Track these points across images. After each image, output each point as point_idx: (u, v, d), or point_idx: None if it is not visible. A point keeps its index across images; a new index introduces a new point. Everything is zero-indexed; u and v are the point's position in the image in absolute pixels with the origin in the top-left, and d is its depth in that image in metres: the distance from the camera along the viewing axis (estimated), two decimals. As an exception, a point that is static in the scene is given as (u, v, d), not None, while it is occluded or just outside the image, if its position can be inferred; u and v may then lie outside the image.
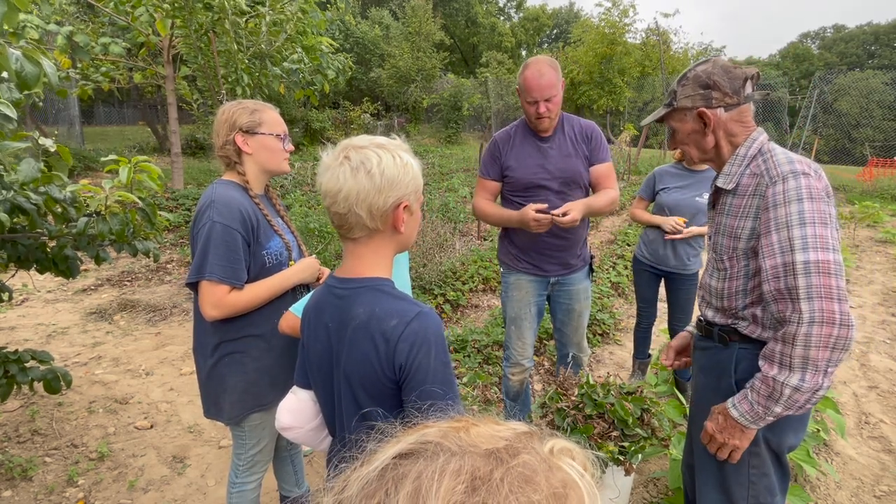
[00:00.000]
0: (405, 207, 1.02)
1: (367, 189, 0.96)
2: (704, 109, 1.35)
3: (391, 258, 1.08)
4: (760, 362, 1.26)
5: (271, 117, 1.59)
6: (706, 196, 2.79)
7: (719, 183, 1.41)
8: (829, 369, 1.16)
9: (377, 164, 0.97)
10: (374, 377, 0.99)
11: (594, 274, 2.54)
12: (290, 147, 1.65)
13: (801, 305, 1.17)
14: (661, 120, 1.50)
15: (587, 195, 2.31)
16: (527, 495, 0.35)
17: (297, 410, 1.19)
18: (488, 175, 2.36)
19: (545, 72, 2.09)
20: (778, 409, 1.21)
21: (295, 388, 1.22)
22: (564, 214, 2.05)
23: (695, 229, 2.78)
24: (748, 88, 1.35)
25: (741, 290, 1.38)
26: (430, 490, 0.35)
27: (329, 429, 1.19)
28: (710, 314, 1.51)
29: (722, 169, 1.41)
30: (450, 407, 0.94)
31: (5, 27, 1.39)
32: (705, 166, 2.84)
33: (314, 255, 1.76)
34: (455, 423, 0.43)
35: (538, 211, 2.08)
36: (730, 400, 1.32)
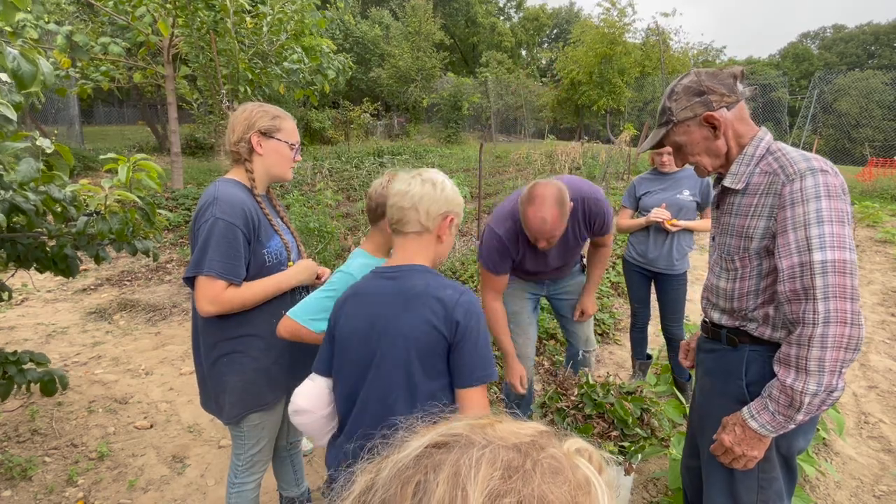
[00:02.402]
0: (451, 221, 1.27)
1: (430, 194, 1.23)
2: (710, 113, 1.32)
3: (430, 260, 1.28)
4: (776, 367, 1.24)
5: (289, 126, 1.64)
6: (686, 193, 2.88)
7: (726, 183, 1.37)
8: (843, 369, 1.15)
9: (441, 181, 1.27)
10: (429, 337, 1.15)
11: (585, 270, 2.58)
12: (299, 157, 1.70)
13: (818, 306, 1.15)
14: (659, 144, 1.43)
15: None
16: (557, 485, 0.38)
17: (313, 395, 1.28)
18: (498, 271, 2.19)
19: (549, 218, 1.86)
20: (800, 417, 1.20)
21: (313, 374, 1.31)
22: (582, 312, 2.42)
23: (682, 223, 2.86)
24: (739, 85, 1.34)
25: (753, 291, 1.35)
26: (469, 475, 0.37)
27: (340, 417, 1.26)
28: (716, 316, 1.47)
29: (728, 169, 1.38)
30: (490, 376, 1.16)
31: (1, 25, 1.39)
32: (677, 168, 2.92)
33: (311, 258, 1.77)
34: (480, 420, 0.46)
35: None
36: (746, 410, 1.28)
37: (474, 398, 1.16)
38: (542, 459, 0.39)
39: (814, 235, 1.16)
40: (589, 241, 2.34)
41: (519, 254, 2.18)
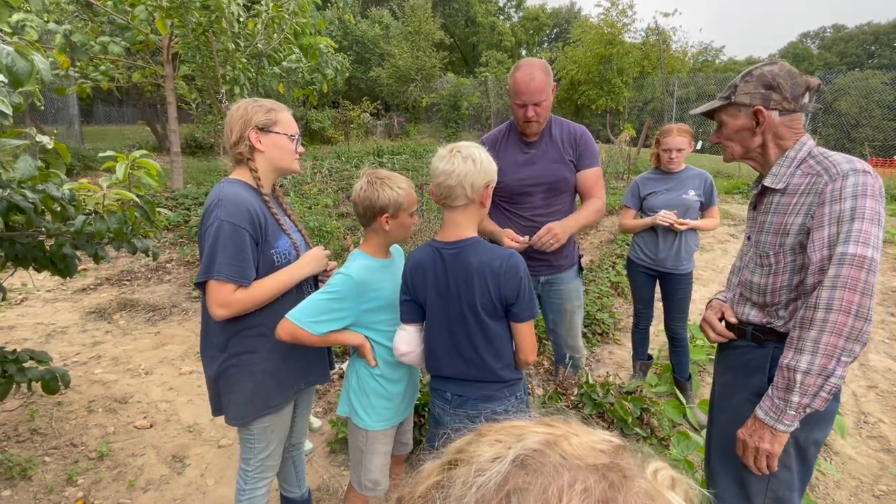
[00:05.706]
0: (490, 187, 1.49)
1: (472, 171, 1.43)
2: (761, 108, 1.37)
3: (476, 225, 1.53)
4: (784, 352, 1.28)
5: (285, 118, 1.61)
6: (691, 193, 2.89)
7: (767, 182, 1.43)
8: (843, 358, 1.18)
9: (478, 156, 1.45)
10: (490, 303, 1.46)
11: (583, 272, 2.55)
12: (301, 149, 1.67)
13: (823, 292, 1.19)
14: (709, 115, 1.51)
15: (573, 199, 2.35)
16: None
17: (409, 340, 1.58)
18: None
19: (536, 76, 2.07)
20: (795, 398, 1.22)
21: (402, 325, 1.59)
22: (548, 242, 2.10)
23: (690, 222, 2.86)
24: (806, 98, 1.38)
25: (786, 286, 1.40)
26: None
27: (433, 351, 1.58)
28: (745, 310, 1.51)
29: (770, 170, 1.45)
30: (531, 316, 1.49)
31: None
32: (683, 167, 2.93)
33: (321, 246, 1.75)
34: (551, 429, 0.43)
35: (524, 243, 2.10)
36: (759, 404, 1.33)
37: (525, 330, 1.51)
38: (635, 494, 0.37)
39: (843, 231, 1.21)
40: (580, 193, 2.33)
41: (498, 152, 2.22)
